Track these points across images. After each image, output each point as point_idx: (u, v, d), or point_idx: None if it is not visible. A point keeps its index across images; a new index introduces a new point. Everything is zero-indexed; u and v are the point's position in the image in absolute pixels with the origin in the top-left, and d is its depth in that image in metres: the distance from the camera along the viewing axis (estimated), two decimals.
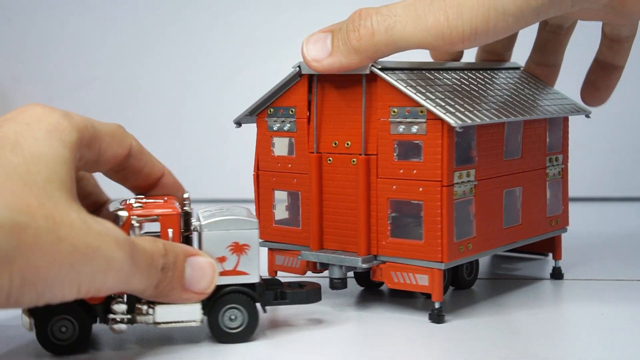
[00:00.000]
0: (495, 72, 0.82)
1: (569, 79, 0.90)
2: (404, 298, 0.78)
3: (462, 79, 0.76)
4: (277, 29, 1.33)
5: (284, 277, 0.75)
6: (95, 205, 0.72)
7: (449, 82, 0.74)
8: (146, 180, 0.70)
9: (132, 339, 0.68)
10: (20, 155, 0.56)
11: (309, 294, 0.70)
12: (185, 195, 0.70)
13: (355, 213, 0.73)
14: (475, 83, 0.77)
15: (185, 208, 0.69)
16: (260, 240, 0.79)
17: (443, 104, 0.69)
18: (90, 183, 0.72)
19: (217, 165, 1.32)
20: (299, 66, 0.74)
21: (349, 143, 0.73)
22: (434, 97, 0.70)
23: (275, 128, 0.78)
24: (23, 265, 0.52)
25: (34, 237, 0.53)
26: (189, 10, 1.32)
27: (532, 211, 0.80)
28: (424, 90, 0.70)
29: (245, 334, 0.67)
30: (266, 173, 0.79)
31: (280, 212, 0.79)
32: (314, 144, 0.75)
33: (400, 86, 0.69)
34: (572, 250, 0.94)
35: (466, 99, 0.72)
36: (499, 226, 0.76)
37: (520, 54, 0.89)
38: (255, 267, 0.66)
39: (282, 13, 1.32)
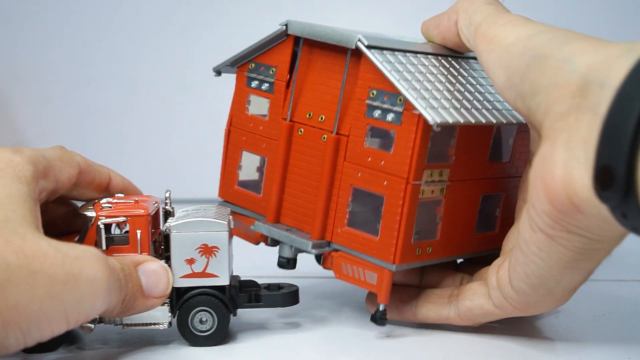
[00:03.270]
0: None
1: None
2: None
3: (462, 71, 0.70)
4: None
5: (265, 276, 0.73)
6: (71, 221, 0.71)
7: (444, 73, 0.68)
8: (98, 190, 0.70)
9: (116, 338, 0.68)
10: None
11: (285, 296, 0.68)
12: (167, 194, 0.70)
13: (317, 192, 0.68)
14: (476, 77, 0.70)
15: (166, 207, 0.69)
16: (220, 200, 0.75)
17: (427, 96, 0.63)
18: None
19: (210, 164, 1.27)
20: (286, 24, 0.69)
21: (323, 117, 0.68)
22: (418, 87, 0.63)
23: (253, 85, 0.72)
24: (0, 306, 0.51)
25: (7, 275, 0.51)
26: (189, 9, 1.26)
27: (512, 219, 0.74)
28: (409, 78, 0.64)
29: (215, 337, 0.66)
30: (237, 130, 0.74)
31: (248, 173, 0.74)
32: (288, 111, 0.70)
33: (384, 69, 0.63)
34: None
35: (457, 94, 0.66)
36: (469, 232, 0.70)
37: None
38: (226, 270, 0.65)
39: (281, 12, 1.25)
